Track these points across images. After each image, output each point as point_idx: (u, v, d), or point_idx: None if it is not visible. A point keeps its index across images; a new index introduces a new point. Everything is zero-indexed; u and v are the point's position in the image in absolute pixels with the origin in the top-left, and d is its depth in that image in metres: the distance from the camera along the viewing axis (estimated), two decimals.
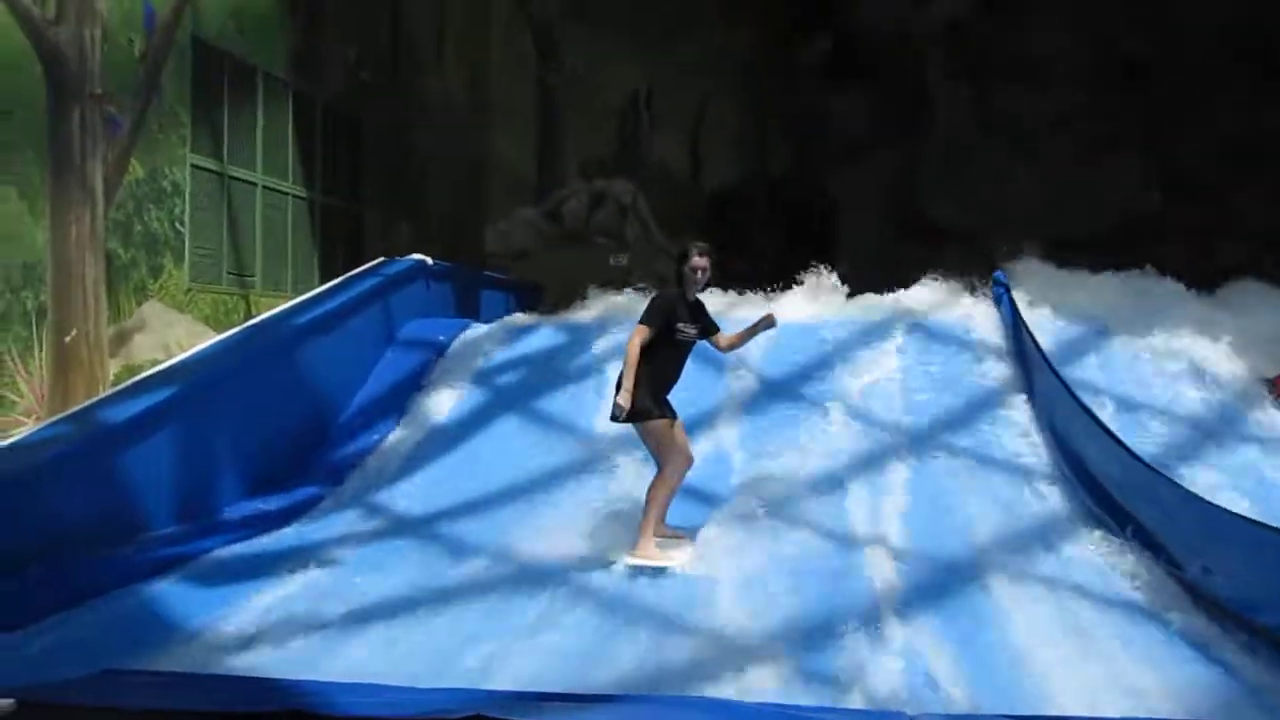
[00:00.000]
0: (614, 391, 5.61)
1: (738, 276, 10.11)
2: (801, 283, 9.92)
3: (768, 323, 5.96)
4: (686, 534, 5.87)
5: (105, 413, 6.44)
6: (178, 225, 9.08)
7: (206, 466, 6.96)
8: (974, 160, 16.45)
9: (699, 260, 5.75)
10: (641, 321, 5.64)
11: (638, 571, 5.43)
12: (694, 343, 5.88)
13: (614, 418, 5.59)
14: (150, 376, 7.12)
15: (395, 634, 4.87)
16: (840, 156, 17.21)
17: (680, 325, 5.71)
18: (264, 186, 10.65)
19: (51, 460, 5.77)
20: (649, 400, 5.57)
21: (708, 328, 6.00)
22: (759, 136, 18.46)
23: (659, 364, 5.65)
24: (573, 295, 11.16)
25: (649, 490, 5.67)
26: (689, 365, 5.99)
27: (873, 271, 10.39)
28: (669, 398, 5.82)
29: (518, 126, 17.63)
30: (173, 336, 8.86)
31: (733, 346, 6.14)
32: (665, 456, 5.66)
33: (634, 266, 16.91)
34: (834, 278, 9.90)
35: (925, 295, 9.72)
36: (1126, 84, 15.52)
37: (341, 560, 5.96)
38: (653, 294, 6.10)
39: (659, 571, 5.40)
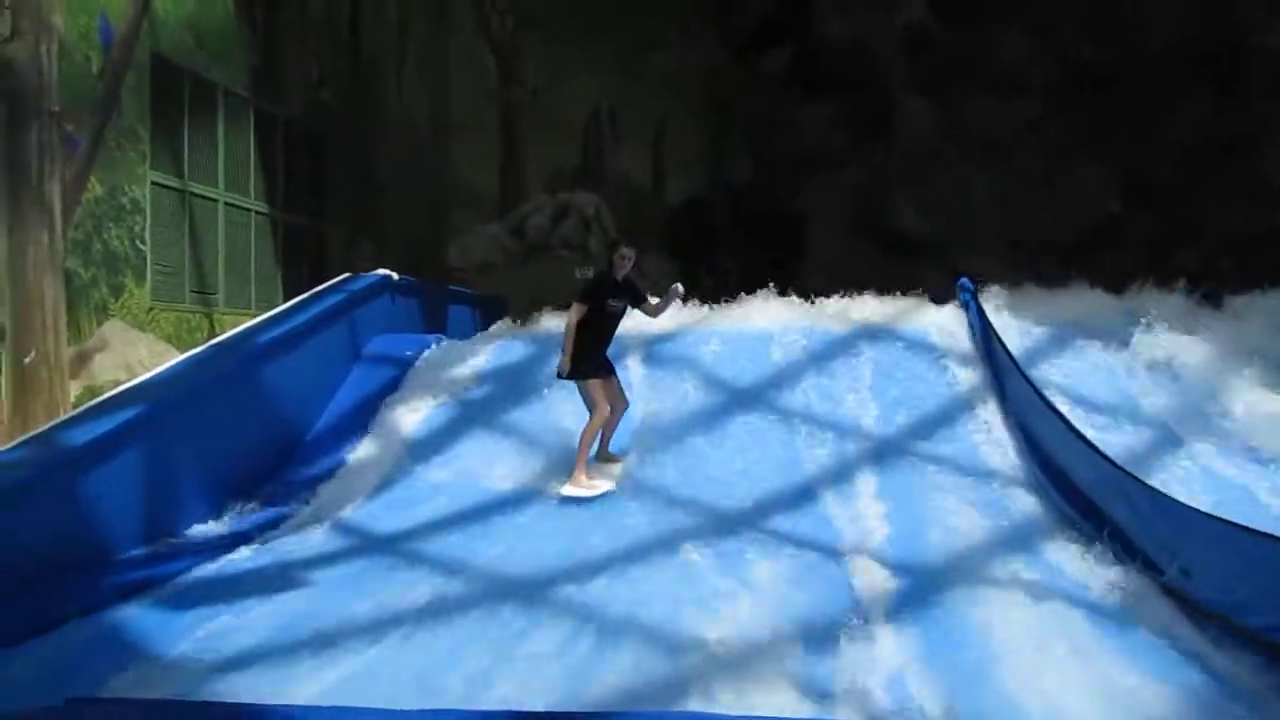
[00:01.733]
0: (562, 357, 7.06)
1: (704, 289, 10.12)
2: (768, 293, 9.92)
3: (677, 293, 7.43)
4: (621, 457, 7.43)
5: (67, 435, 6.32)
6: (138, 243, 8.94)
7: (172, 487, 6.84)
8: (938, 169, 16.58)
9: (626, 251, 7.29)
10: (578, 300, 7.06)
11: (617, 585, 5.37)
12: (622, 313, 7.33)
13: (558, 375, 7.13)
14: (112, 397, 7.01)
15: (370, 655, 4.77)
16: (804, 167, 17.30)
17: (609, 301, 7.14)
18: (226, 203, 10.52)
19: (12, 485, 5.64)
20: (586, 363, 7.03)
21: (636, 298, 7.40)
22: (722, 149, 18.52)
23: (592, 332, 7.07)
24: (538, 308, 11.10)
25: (581, 433, 7.05)
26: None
27: (839, 281, 10.42)
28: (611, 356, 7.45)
29: (480, 142, 17.60)
30: (135, 356, 8.70)
31: (658, 312, 7.52)
32: (591, 407, 7.09)
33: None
34: (799, 288, 9.92)
35: (892, 303, 9.75)
36: (1087, 93, 15.72)
37: (313, 580, 5.85)
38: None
39: (589, 501, 6.74)
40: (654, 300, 7.52)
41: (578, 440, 7.10)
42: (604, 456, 7.45)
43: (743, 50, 18.21)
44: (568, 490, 6.82)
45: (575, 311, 7.05)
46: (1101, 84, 15.70)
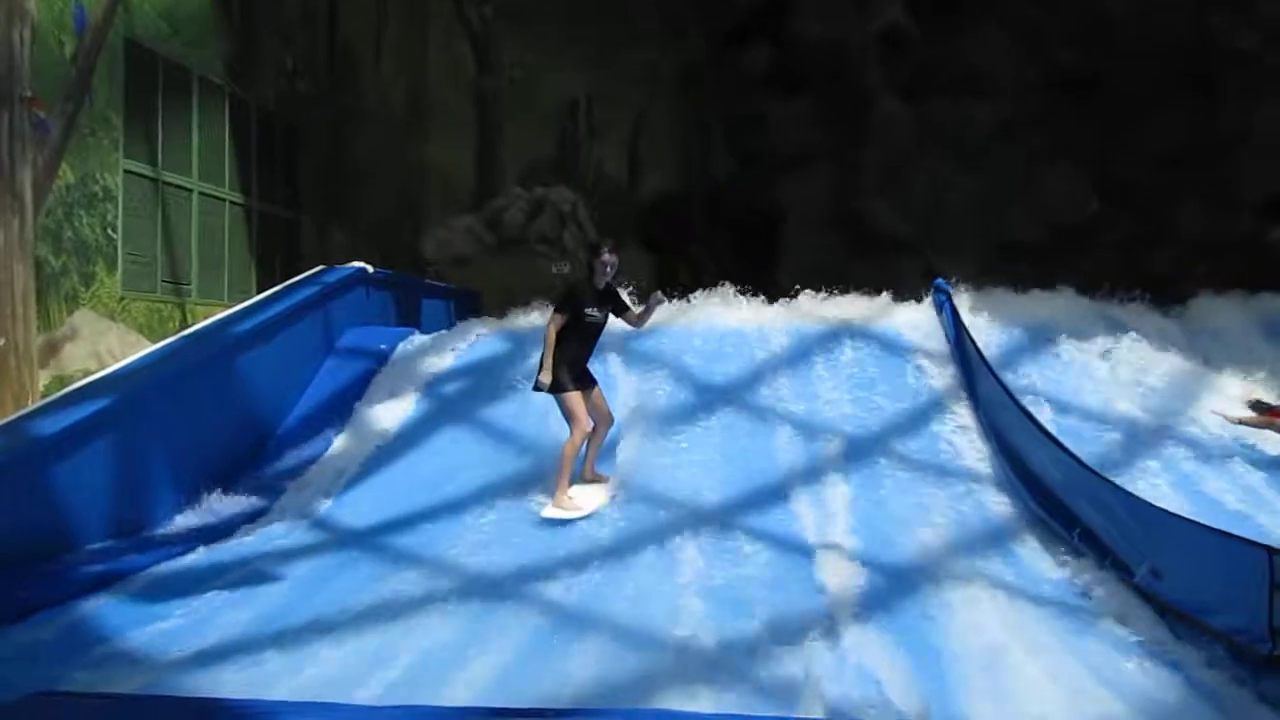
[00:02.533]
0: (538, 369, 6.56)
1: (680, 285, 10.12)
2: (743, 291, 9.92)
3: (657, 302, 6.88)
4: (608, 477, 6.91)
5: (35, 425, 6.27)
6: (110, 231, 8.84)
7: (142, 480, 6.79)
8: (914, 169, 16.64)
9: (609, 256, 6.71)
10: (555, 309, 6.64)
11: (585, 582, 5.37)
12: (602, 323, 6.81)
13: (536, 388, 6.58)
14: (82, 387, 6.96)
15: (340, 651, 4.75)
16: (780, 165, 17.30)
17: (588, 310, 6.63)
18: (200, 192, 10.43)
19: None
20: (565, 375, 6.53)
21: (619, 308, 6.90)
22: (699, 145, 18.51)
23: (572, 344, 6.60)
24: (512, 303, 11.06)
25: (561, 451, 6.53)
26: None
27: (814, 278, 10.44)
28: (591, 368, 6.90)
29: (456, 134, 17.50)
30: (105, 346, 8.62)
31: (640, 322, 7.01)
32: (570, 422, 6.56)
33: (573, 273, 16.87)
34: (774, 285, 9.94)
35: (867, 303, 9.78)
36: (1064, 96, 15.81)
37: (284, 575, 5.82)
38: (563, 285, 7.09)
39: (572, 522, 6.32)
40: (637, 309, 7.05)
41: (558, 461, 6.55)
42: (589, 476, 6.91)
43: (722, 47, 18.21)
44: (550, 512, 6.38)
45: (553, 321, 6.58)
46: (1078, 87, 15.80)
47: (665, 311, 9.57)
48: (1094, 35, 15.75)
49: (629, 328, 7.17)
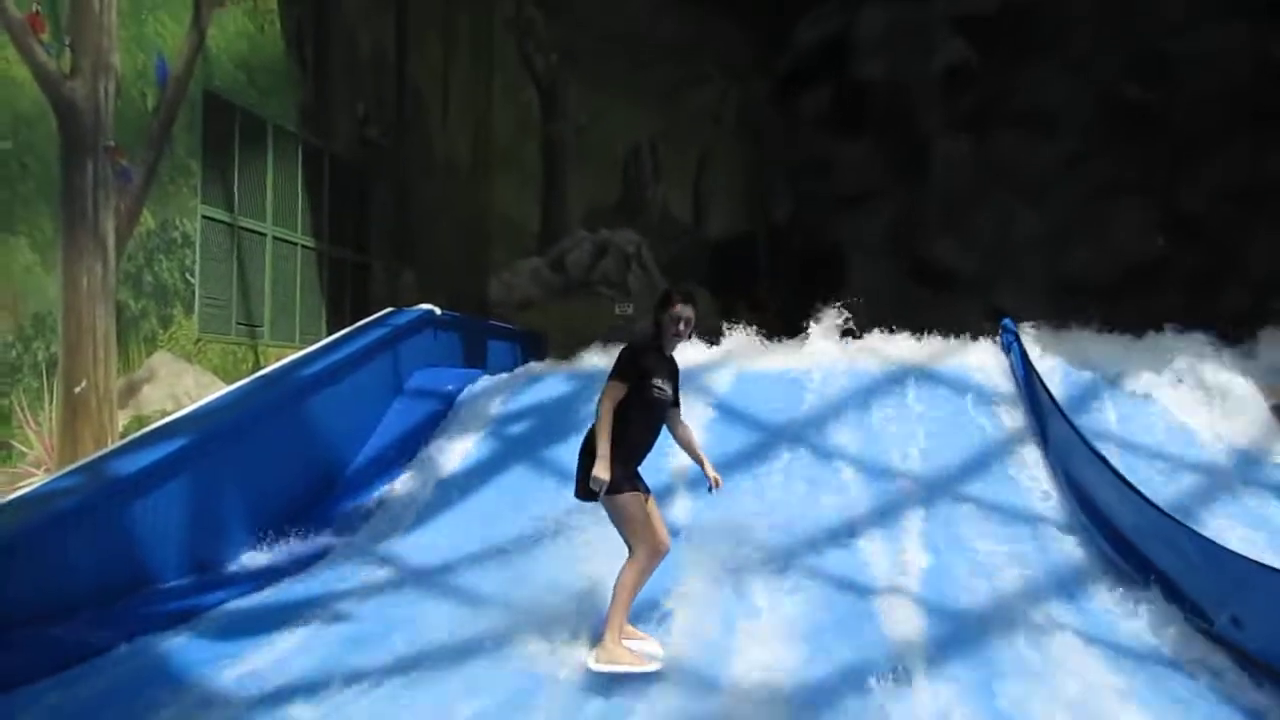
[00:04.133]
0: (580, 461, 4.92)
1: (745, 324, 10.12)
2: (808, 331, 9.91)
3: (715, 483, 5.27)
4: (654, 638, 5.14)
5: (114, 464, 6.42)
6: (188, 276, 9.10)
7: (217, 518, 6.92)
8: (978, 207, 16.52)
9: (683, 309, 4.97)
10: (611, 377, 4.87)
11: (652, 623, 5.35)
12: (669, 404, 5.10)
13: (587, 494, 4.87)
14: (159, 428, 7.12)
15: (408, 690, 4.78)
16: (844, 204, 17.29)
17: (656, 382, 4.92)
18: (274, 237, 10.69)
19: (61, 512, 5.73)
20: (619, 471, 4.77)
21: (675, 396, 5.19)
22: (762, 185, 18.59)
23: (630, 427, 4.84)
24: (578, 344, 11.15)
25: (618, 577, 4.85)
26: (707, 418, 5.66)
27: (880, 319, 10.39)
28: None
29: (521, 177, 17.79)
30: (181, 387, 8.84)
31: (688, 439, 5.33)
32: (637, 537, 4.84)
33: (639, 316, 16.97)
34: (841, 324, 9.90)
35: (934, 343, 9.71)
36: (1129, 131, 15.63)
37: (354, 614, 5.88)
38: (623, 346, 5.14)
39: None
40: (686, 423, 5.36)
41: (613, 592, 4.85)
42: (631, 633, 5.00)
43: (783, 88, 18.32)
44: (598, 665, 4.68)
45: (609, 393, 4.84)
46: (1142, 122, 15.62)
47: (729, 350, 9.61)
48: (1156, 69, 15.59)
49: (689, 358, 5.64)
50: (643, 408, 4.88)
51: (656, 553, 4.88)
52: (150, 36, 8.62)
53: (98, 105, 7.96)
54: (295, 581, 6.54)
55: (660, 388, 4.93)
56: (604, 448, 4.69)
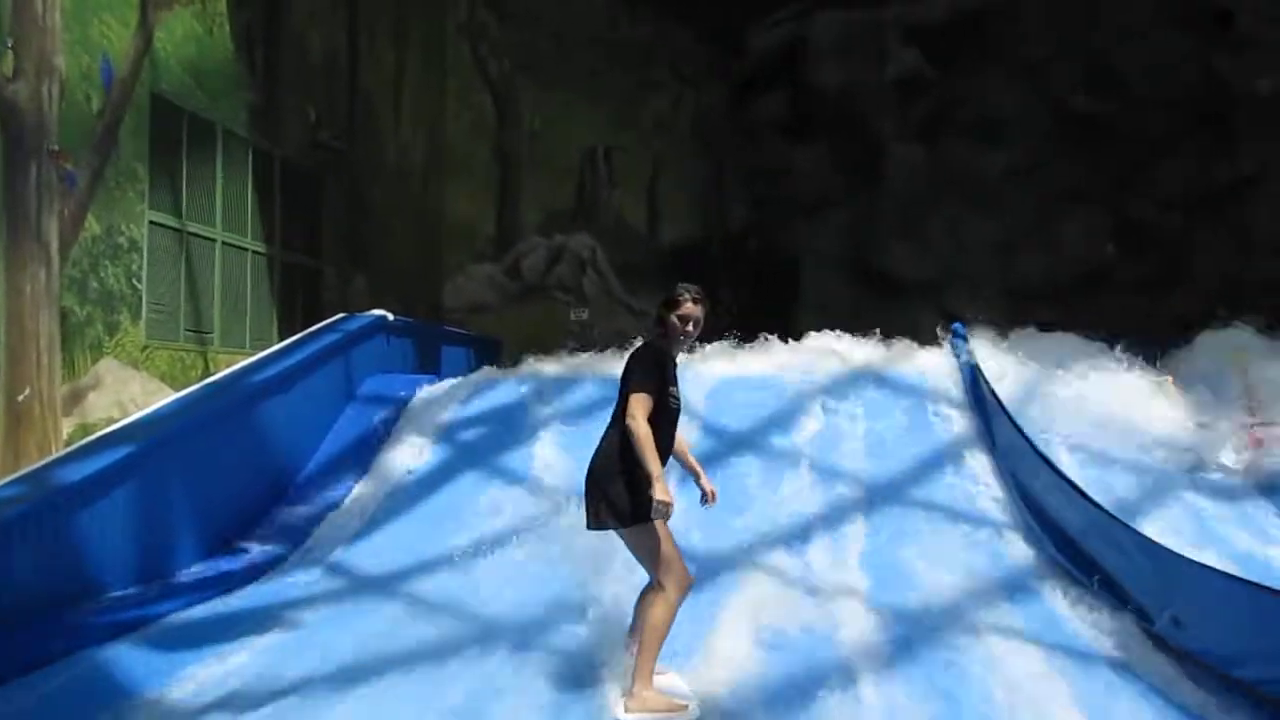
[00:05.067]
0: (590, 489, 4.43)
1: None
2: (761, 336, 9.96)
3: (710, 496, 4.83)
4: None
5: (59, 473, 6.30)
6: (134, 282, 8.97)
7: (164, 526, 6.82)
8: (930, 213, 16.73)
9: (692, 308, 4.48)
10: (637, 389, 4.32)
11: (605, 629, 5.33)
12: (679, 412, 4.61)
13: (603, 524, 4.37)
14: (105, 435, 7.00)
15: (360, 697, 4.75)
16: (798, 211, 17.43)
17: (672, 389, 4.49)
18: (223, 242, 10.57)
19: (3, 522, 5.62)
20: (643, 493, 4.21)
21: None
22: (717, 192, 18.70)
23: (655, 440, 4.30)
24: (532, 350, 11.13)
25: (643, 612, 4.38)
26: None
27: (832, 323, 10.47)
28: None
29: (476, 182, 17.72)
30: (128, 394, 8.72)
31: (680, 450, 4.83)
32: (666, 569, 4.32)
33: (594, 321, 16.99)
34: (793, 330, 9.97)
35: (886, 347, 9.79)
36: (1078, 139, 15.91)
37: (305, 622, 5.83)
38: (633, 350, 4.69)
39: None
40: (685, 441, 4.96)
41: (640, 633, 4.36)
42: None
43: (738, 95, 18.44)
44: (629, 715, 4.26)
45: (641, 405, 4.29)
46: (1092, 130, 15.90)
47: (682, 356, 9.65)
48: (1105, 79, 15.89)
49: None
50: (662, 420, 4.38)
51: (687, 585, 4.39)
52: (95, 38, 8.50)
53: (41, 108, 7.84)
54: (245, 590, 6.47)
55: (675, 395, 4.52)
56: (655, 467, 4.16)
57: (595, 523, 4.39)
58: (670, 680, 4.54)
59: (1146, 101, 15.75)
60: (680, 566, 4.35)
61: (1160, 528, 6.36)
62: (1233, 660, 4.48)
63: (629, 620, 4.61)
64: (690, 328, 4.51)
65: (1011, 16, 16.62)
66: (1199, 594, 4.85)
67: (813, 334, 10.07)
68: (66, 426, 8.00)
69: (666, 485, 4.18)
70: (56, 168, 7.97)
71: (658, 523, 4.24)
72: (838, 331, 10.06)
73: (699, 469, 4.89)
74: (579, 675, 4.85)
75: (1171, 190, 15.53)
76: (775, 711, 4.48)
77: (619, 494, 4.30)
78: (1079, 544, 6.06)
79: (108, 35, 8.63)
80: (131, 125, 8.95)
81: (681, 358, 4.84)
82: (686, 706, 4.31)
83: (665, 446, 4.43)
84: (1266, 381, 8.14)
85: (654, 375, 4.38)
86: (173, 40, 9.59)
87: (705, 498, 4.77)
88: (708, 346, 9.73)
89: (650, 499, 4.14)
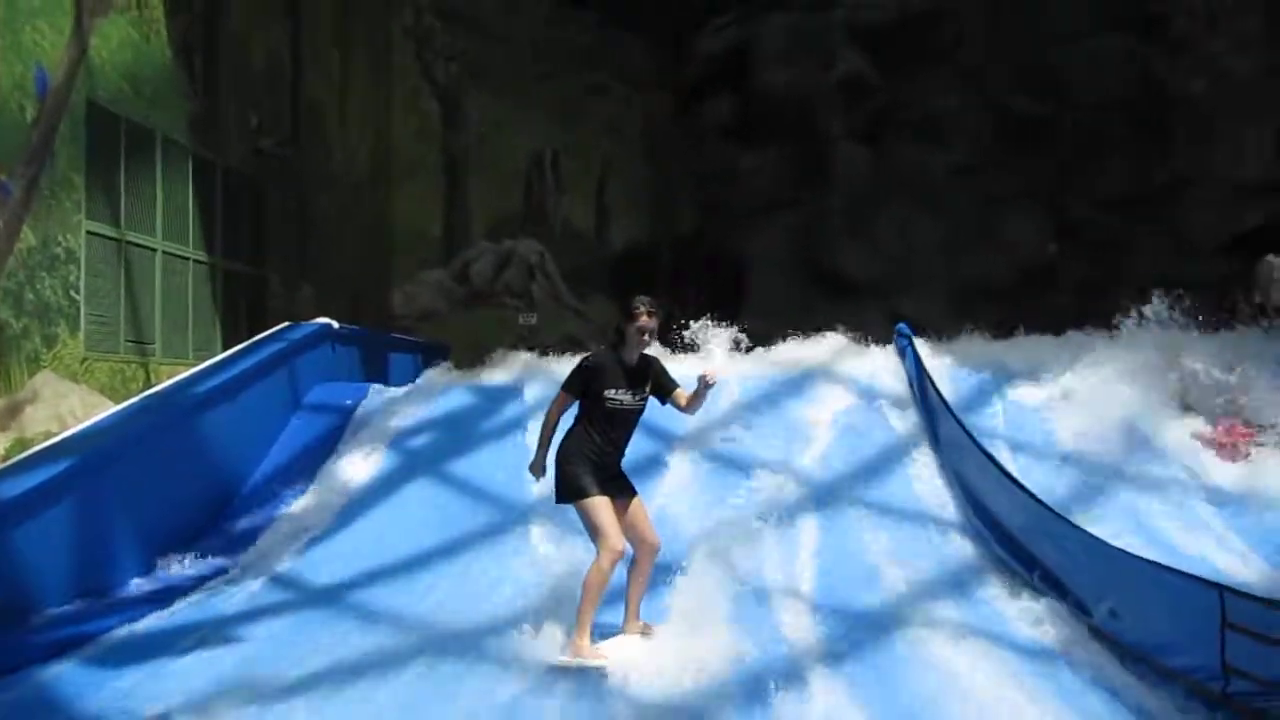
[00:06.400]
0: (556, 470, 5.24)
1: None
2: (709, 340, 9.98)
3: (706, 383, 5.22)
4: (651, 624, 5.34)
5: None
6: (72, 293, 8.83)
7: (106, 540, 6.72)
8: (877, 215, 16.88)
9: (646, 321, 5.20)
10: (563, 387, 5.28)
11: (550, 634, 5.29)
12: (635, 410, 5.28)
13: (563, 498, 5.24)
14: (43, 450, 6.89)
15: (308, 710, 4.70)
16: (746, 213, 17.51)
17: (609, 392, 5.14)
18: (164, 252, 10.43)
19: None
20: (586, 477, 5.08)
21: (662, 388, 5.36)
22: (665, 195, 18.75)
23: (592, 435, 5.18)
24: (481, 355, 11.09)
25: (586, 576, 5.09)
26: None
27: (780, 325, 10.54)
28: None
29: (423, 188, 17.66)
30: (66, 407, 8.57)
31: (693, 407, 5.40)
32: (597, 541, 5.08)
33: (542, 325, 16.96)
34: (738, 333, 9.99)
35: (831, 348, 9.88)
36: (1020, 140, 16.15)
37: (250, 636, 5.77)
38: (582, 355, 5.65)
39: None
40: (683, 391, 5.42)
41: (583, 586, 5.06)
42: (631, 628, 5.30)
43: (685, 99, 18.49)
44: (566, 660, 4.98)
45: (555, 402, 5.30)
46: (1033, 131, 16.15)
47: None
48: (1044, 81, 16.15)
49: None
50: (602, 419, 5.18)
51: (614, 555, 5.03)
52: (28, 46, 8.35)
53: None
54: (188, 604, 6.39)
55: (615, 398, 5.16)
56: (539, 452, 5.26)
57: (558, 498, 5.26)
58: (634, 640, 5.21)
59: (1085, 103, 16.02)
60: (611, 540, 5.03)
61: (1100, 523, 6.49)
62: (1165, 649, 4.57)
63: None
64: (645, 337, 5.24)
65: (953, 19, 16.85)
66: (1132, 584, 4.95)
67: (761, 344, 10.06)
68: (3, 441, 7.86)
69: (543, 461, 5.26)
70: None
71: (593, 501, 5.05)
72: (785, 338, 10.13)
73: (697, 394, 5.32)
74: (529, 685, 4.85)
75: (1110, 191, 15.81)
76: (725, 710, 4.50)
77: (558, 478, 5.20)
78: (1020, 539, 6.16)
79: (41, 43, 8.49)
80: (67, 134, 8.80)
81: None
82: (604, 658, 4.95)
83: (608, 441, 5.22)
84: (1198, 375, 8.30)
85: (574, 384, 5.24)
86: (109, 47, 9.44)
87: (703, 380, 5.21)
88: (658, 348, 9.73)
89: (574, 483, 5.08)
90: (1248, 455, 7.55)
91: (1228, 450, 7.63)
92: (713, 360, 8.64)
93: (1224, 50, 15.35)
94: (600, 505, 5.06)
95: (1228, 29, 15.43)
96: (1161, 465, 7.57)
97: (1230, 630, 4.11)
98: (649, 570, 5.31)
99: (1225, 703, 4.12)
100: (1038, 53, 16.28)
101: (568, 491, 5.14)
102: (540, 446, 5.27)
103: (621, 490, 5.26)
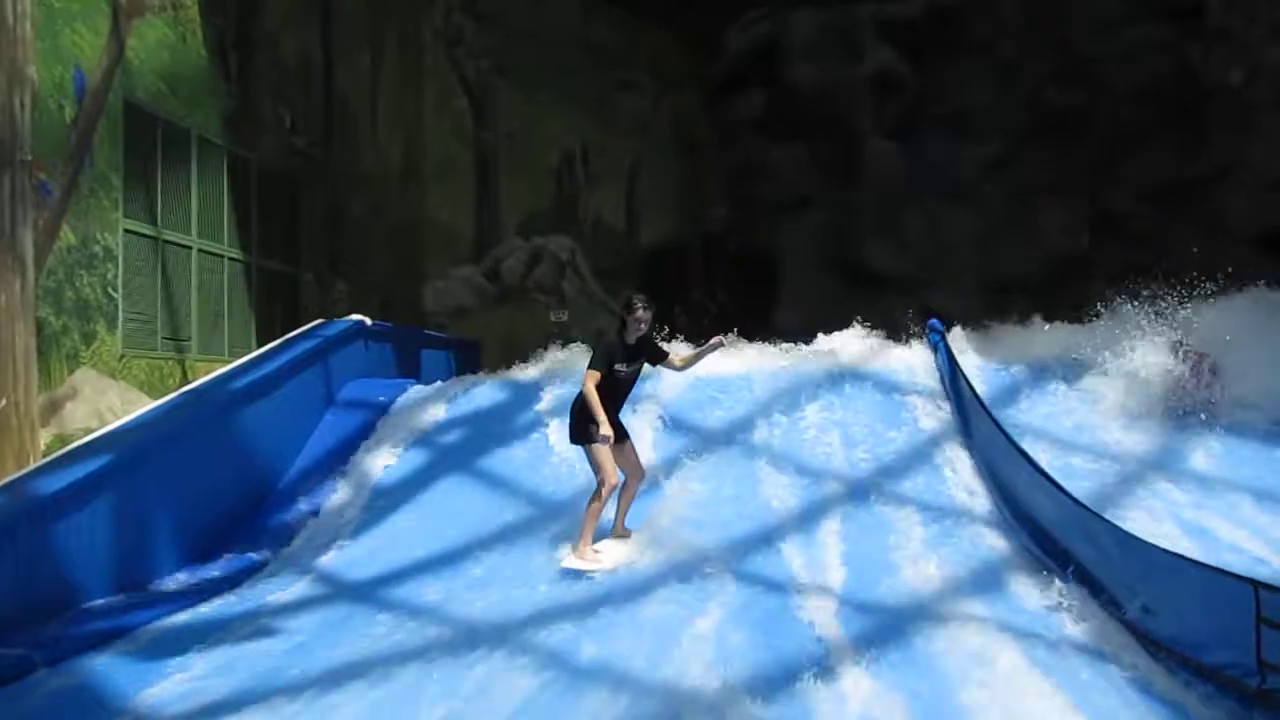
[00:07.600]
0: (571, 417, 6.68)
1: (678, 329, 10.18)
2: (741, 334, 9.99)
3: (716, 344, 6.84)
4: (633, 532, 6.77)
5: (36, 483, 6.31)
6: (110, 291, 8.95)
7: (144, 535, 6.83)
8: (908, 209, 16.79)
9: (642, 314, 6.71)
10: (590, 367, 6.64)
11: (587, 630, 5.37)
12: (633, 376, 6.88)
13: (576, 440, 6.63)
14: (83, 445, 7.01)
15: (344, 703, 4.76)
16: (777, 209, 17.47)
17: (618, 366, 6.69)
18: (199, 250, 10.55)
19: None
20: (594, 428, 6.45)
21: (655, 356, 6.97)
22: (695, 191, 18.72)
23: (603, 398, 6.53)
24: (512, 352, 11.14)
25: (587, 504, 6.54)
26: (636, 422, 6.64)
27: (811, 320, 10.52)
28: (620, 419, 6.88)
29: (454, 185, 17.71)
30: (106, 404, 8.69)
31: (686, 365, 7.09)
32: (598, 475, 6.53)
33: (573, 322, 17.00)
34: (772, 326, 10.02)
35: (862, 343, 9.85)
36: (1054, 132, 15.99)
37: (286, 628, 5.85)
38: (596, 342, 7.09)
39: (589, 575, 6.25)
40: (680, 355, 7.16)
41: (584, 508, 6.58)
42: (618, 532, 6.86)
43: (715, 94, 18.47)
44: (570, 562, 6.34)
45: (590, 380, 6.56)
46: (1067, 123, 16.00)
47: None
48: (1079, 72, 15.98)
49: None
50: (611, 384, 6.66)
51: (611, 486, 6.49)
52: (67, 48, 8.47)
53: (13, 118, 7.80)
54: (226, 598, 6.48)
55: (621, 369, 6.70)
56: (600, 415, 6.41)
57: (572, 439, 6.71)
58: (623, 544, 6.69)
59: (1120, 94, 15.85)
60: (609, 473, 6.48)
61: (1135, 518, 6.44)
62: (1201, 646, 4.53)
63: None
64: (641, 326, 6.71)
65: (984, 10, 16.71)
66: (1166, 581, 4.90)
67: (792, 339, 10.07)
68: (44, 437, 7.98)
69: (608, 423, 6.41)
70: (30, 178, 7.94)
71: (598, 445, 6.44)
72: (816, 333, 10.12)
73: (698, 352, 6.99)
74: (562, 677, 4.88)
75: (1146, 181, 15.62)
76: (758, 704, 4.51)
77: (574, 424, 6.65)
78: (1054, 535, 6.11)
79: (79, 44, 8.61)
80: (105, 134, 8.93)
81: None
82: (600, 560, 6.39)
83: (609, 402, 6.59)
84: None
85: (601, 360, 6.65)
86: (145, 48, 9.56)
87: (715, 344, 6.87)
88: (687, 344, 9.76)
89: (592, 432, 6.41)
90: (1209, 385, 7.93)
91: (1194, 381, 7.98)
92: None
93: (1261, 39, 15.13)
94: (605, 450, 6.50)
95: (1266, 17, 15.20)
96: (1195, 458, 7.48)
97: (1266, 626, 4.07)
98: (635, 491, 6.94)
99: (1262, 699, 4.08)
100: (1072, 43, 16.12)
101: (581, 436, 6.55)
102: (598, 413, 6.40)
103: (621, 437, 6.73)
